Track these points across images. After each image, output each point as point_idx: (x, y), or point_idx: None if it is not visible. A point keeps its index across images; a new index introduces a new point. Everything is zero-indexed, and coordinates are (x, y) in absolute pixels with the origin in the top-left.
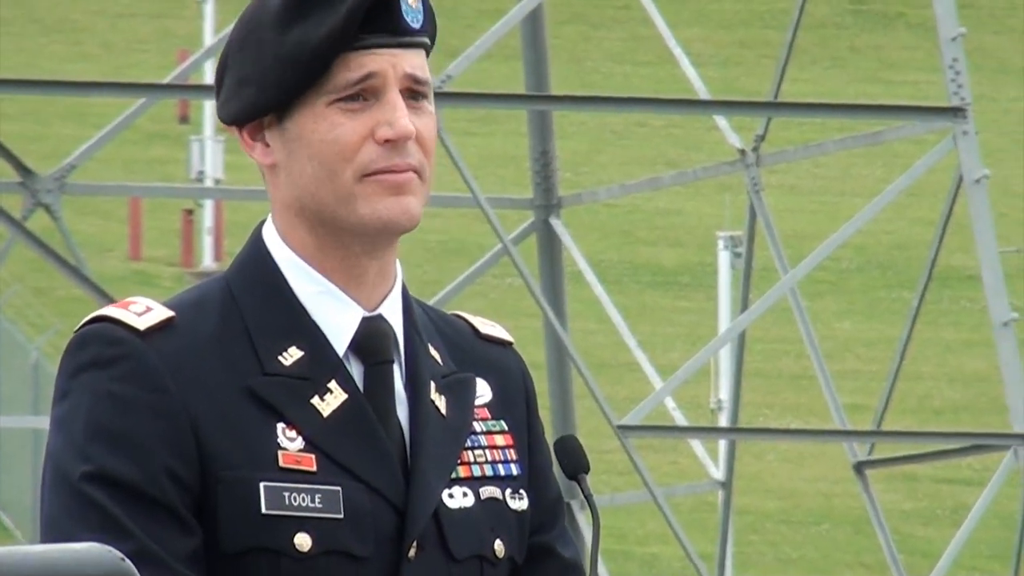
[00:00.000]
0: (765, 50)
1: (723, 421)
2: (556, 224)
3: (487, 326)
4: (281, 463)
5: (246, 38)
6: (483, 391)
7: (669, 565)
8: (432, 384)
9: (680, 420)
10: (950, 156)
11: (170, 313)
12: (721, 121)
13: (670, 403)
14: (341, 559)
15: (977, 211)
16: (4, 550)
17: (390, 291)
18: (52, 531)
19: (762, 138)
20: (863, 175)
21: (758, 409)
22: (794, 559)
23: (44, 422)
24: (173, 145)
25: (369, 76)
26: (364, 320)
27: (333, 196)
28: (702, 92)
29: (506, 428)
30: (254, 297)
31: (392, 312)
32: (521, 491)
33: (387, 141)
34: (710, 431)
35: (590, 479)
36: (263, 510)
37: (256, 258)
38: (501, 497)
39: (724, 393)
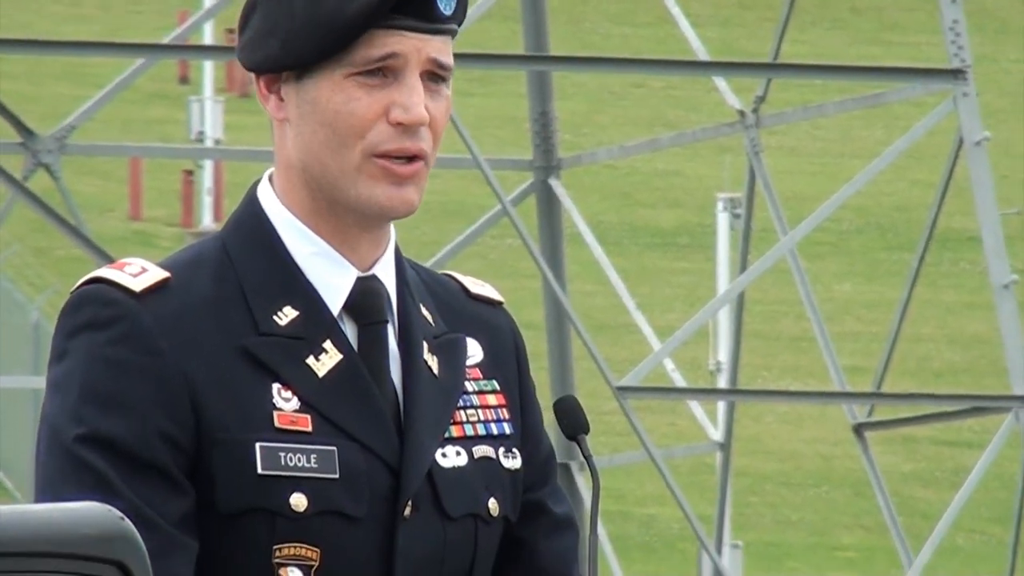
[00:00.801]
0: (765, 11)
1: (722, 382)
2: (555, 185)
3: (477, 286)
4: (277, 423)
5: None
6: (474, 351)
7: (668, 526)
8: (424, 344)
9: (679, 381)
10: (950, 118)
11: (165, 274)
12: (720, 82)
13: (669, 364)
14: (336, 519)
15: (977, 173)
16: (3, 509)
17: (383, 252)
18: (47, 493)
19: (762, 99)
20: (863, 137)
21: (757, 371)
22: (793, 521)
23: (43, 382)
24: (172, 105)
25: (391, 56)
26: (358, 280)
27: (338, 167)
28: (701, 53)
29: (498, 387)
30: (249, 257)
31: (385, 272)
32: (514, 450)
33: (399, 123)
34: (709, 392)
35: (589, 440)
36: (259, 470)
37: (251, 217)
38: (494, 456)
39: (723, 355)
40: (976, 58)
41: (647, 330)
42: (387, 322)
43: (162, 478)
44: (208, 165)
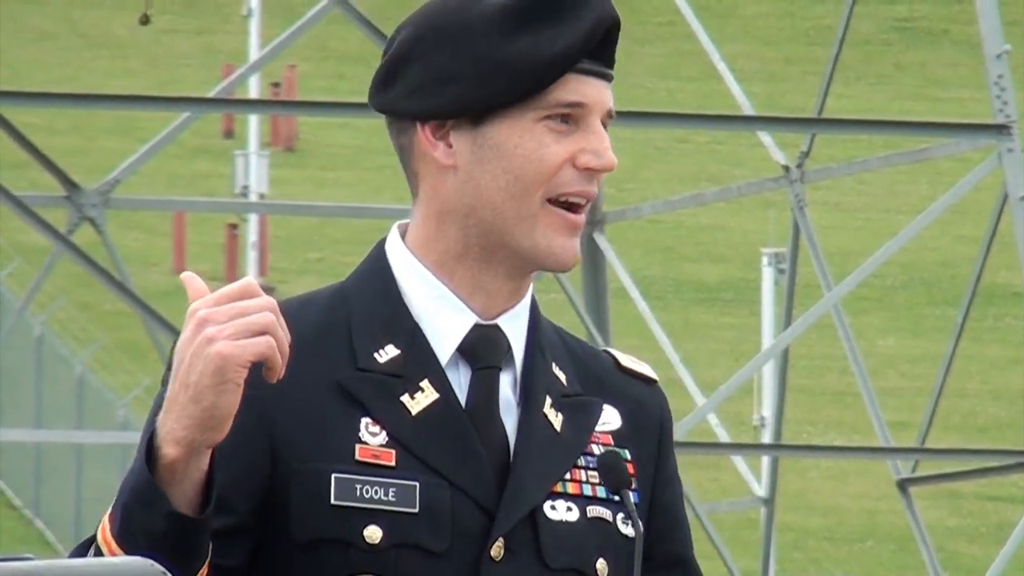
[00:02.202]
0: (810, 66)
1: (766, 438)
2: (600, 240)
3: (630, 360)
4: (357, 456)
5: (447, 36)
6: (610, 418)
7: None
8: (548, 398)
9: (723, 436)
10: (995, 173)
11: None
12: (765, 137)
13: (713, 419)
14: (415, 553)
15: (1022, 228)
16: (45, 564)
17: (515, 305)
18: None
19: (806, 154)
20: (908, 192)
21: (801, 426)
22: None
23: (87, 436)
24: (217, 159)
25: (581, 101)
26: (476, 327)
27: (516, 213)
28: (746, 108)
29: (628, 457)
30: (363, 297)
31: (512, 325)
32: (633, 521)
33: (587, 169)
34: (753, 447)
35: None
36: (332, 500)
37: (374, 263)
38: (611, 520)
39: (767, 409)
40: (1021, 114)
41: (691, 385)
42: (500, 368)
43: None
44: (252, 219)
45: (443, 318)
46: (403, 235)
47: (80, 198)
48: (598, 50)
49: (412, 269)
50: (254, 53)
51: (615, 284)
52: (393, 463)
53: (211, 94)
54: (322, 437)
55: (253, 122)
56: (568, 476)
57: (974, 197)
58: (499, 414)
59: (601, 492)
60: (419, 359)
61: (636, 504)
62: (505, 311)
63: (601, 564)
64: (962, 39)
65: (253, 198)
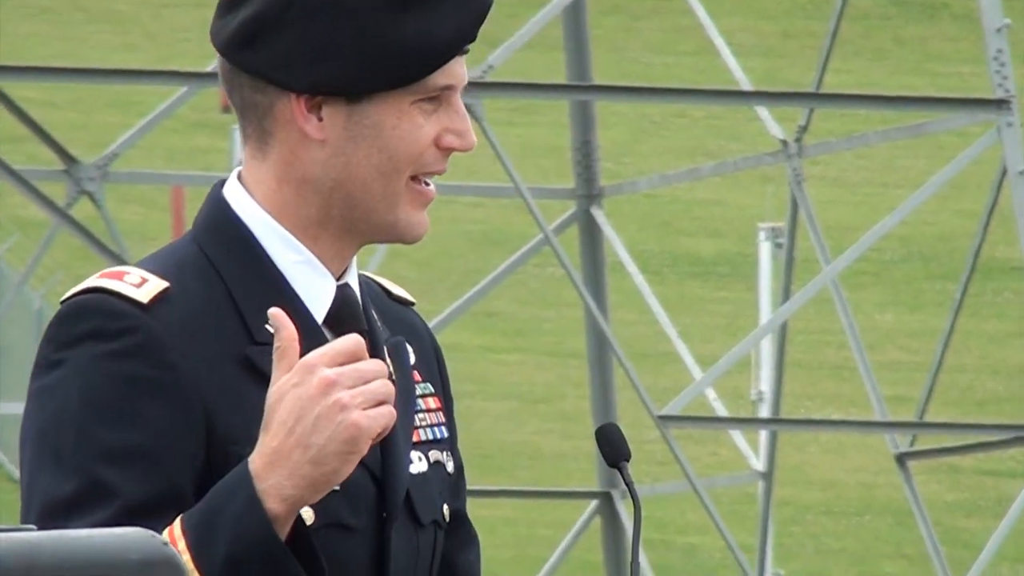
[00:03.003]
0: (808, 41)
1: (764, 412)
2: (597, 214)
3: (394, 286)
4: None
5: (325, 4)
6: (409, 352)
7: (709, 556)
8: (385, 350)
9: (721, 411)
10: (994, 148)
11: (165, 283)
12: (763, 112)
13: (711, 394)
14: (338, 531)
15: (1021, 203)
16: (45, 535)
17: (352, 260)
18: (51, 512)
19: (804, 129)
20: (906, 167)
21: (799, 400)
22: (835, 550)
23: None
24: (216, 134)
25: (454, 84)
26: (337, 289)
27: (382, 191)
28: (744, 83)
29: (432, 390)
30: (233, 264)
31: (353, 280)
32: (450, 453)
33: (449, 149)
34: (751, 422)
35: (631, 469)
36: None
37: (225, 222)
38: (443, 460)
39: (765, 384)
40: (1020, 88)
41: (689, 359)
42: (366, 330)
43: (172, 497)
44: None
45: (310, 282)
46: (244, 184)
47: (79, 172)
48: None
49: (273, 230)
50: None
51: (612, 258)
52: None
53: (210, 68)
54: (244, 417)
55: None
56: (414, 423)
57: (973, 171)
58: None
59: (431, 433)
60: (305, 327)
61: (449, 437)
62: (347, 268)
63: (445, 509)
64: (961, 13)
65: None
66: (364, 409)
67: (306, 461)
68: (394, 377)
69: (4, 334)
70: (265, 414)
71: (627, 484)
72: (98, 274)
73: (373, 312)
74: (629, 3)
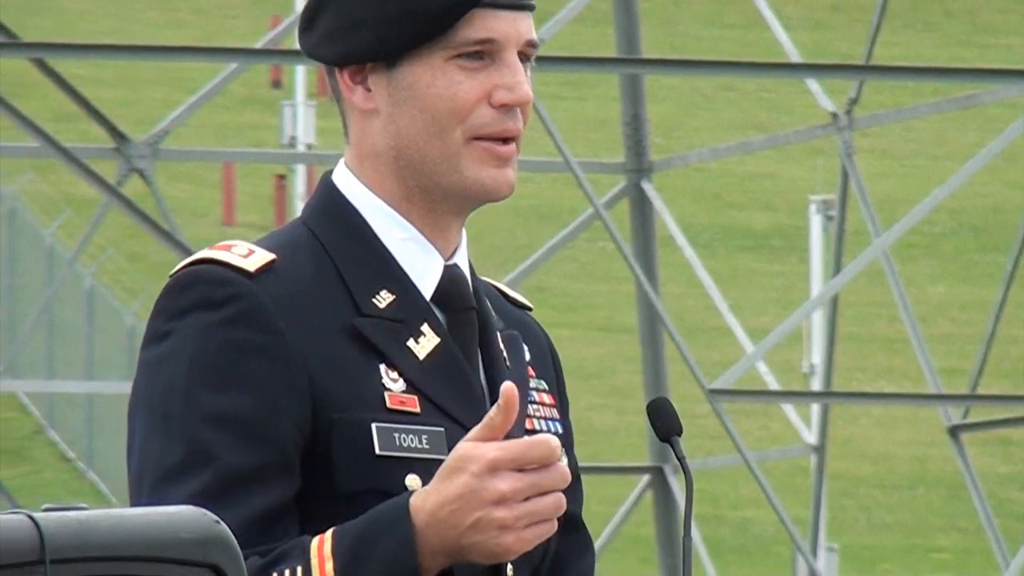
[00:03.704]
0: (857, 13)
1: (815, 385)
2: (647, 188)
3: (510, 290)
4: (388, 404)
5: None
6: (524, 350)
7: (763, 529)
8: (498, 335)
9: (772, 384)
10: None
11: (272, 255)
12: (813, 84)
13: (762, 367)
14: None
15: None
16: (100, 512)
17: (461, 242)
18: (163, 479)
19: (854, 101)
20: (956, 138)
21: (851, 373)
22: (888, 523)
23: None
24: (265, 110)
25: (491, 37)
26: (445, 267)
27: (440, 152)
28: (793, 55)
29: (547, 387)
30: (341, 241)
31: (463, 262)
32: (565, 451)
33: (503, 105)
34: (802, 395)
35: (682, 443)
36: (376, 451)
37: (334, 204)
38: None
39: (816, 357)
40: None
41: (740, 333)
42: (475, 309)
43: (275, 461)
44: (300, 170)
45: (417, 259)
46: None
47: (129, 149)
48: None
49: (378, 208)
50: (301, 3)
51: (662, 232)
52: (418, 409)
53: (259, 45)
54: (351, 384)
55: (300, 72)
56: (527, 412)
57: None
58: (478, 355)
59: (544, 425)
60: (413, 303)
61: (562, 434)
62: (456, 249)
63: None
64: None
65: (301, 148)
66: (525, 527)
67: (453, 540)
68: (508, 364)
69: (55, 312)
70: (447, 460)
71: (679, 459)
72: (208, 247)
73: (486, 300)
74: None
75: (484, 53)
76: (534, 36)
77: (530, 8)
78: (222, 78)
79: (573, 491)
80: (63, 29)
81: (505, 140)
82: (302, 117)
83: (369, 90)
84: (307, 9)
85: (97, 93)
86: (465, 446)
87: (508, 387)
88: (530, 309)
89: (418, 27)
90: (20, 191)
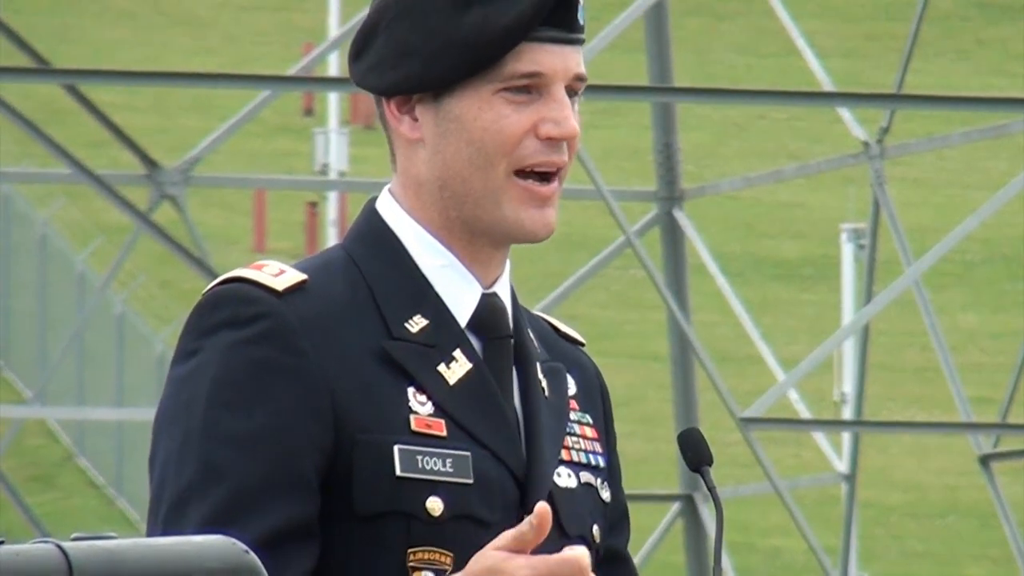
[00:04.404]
0: (889, 42)
1: (847, 414)
2: (679, 216)
3: (563, 325)
4: (413, 427)
5: (411, 7)
6: (570, 383)
7: (793, 558)
8: (538, 365)
9: (804, 412)
10: None
11: (303, 276)
12: (845, 113)
13: (793, 395)
14: (469, 524)
15: None
16: (128, 542)
17: (503, 272)
18: (178, 500)
19: (886, 130)
20: (988, 168)
21: (882, 402)
22: (919, 552)
23: None
24: (297, 137)
25: (539, 71)
26: (482, 296)
27: (482, 186)
28: (826, 84)
29: (591, 421)
30: (378, 266)
31: (503, 292)
32: (607, 483)
33: (549, 138)
34: (834, 424)
35: (713, 471)
36: (397, 472)
37: (375, 229)
38: (595, 485)
39: (848, 386)
40: None
41: (771, 361)
42: (511, 338)
43: (290, 481)
44: (332, 197)
45: (455, 287)
46: (395, 198)
47: (160, 176)
48: (557, 17)
49: (418, 235)
50: (334, 30)
51: (694, 260)
52: (444, 433)
53: (291, 72)
54: (376, 406)
55: (333, 100)
56: (564, 443)
57: None
58: (512, 383)
59: (584, 458)
60: (446, 328)
61: (605, 467)
62: (497, 279)
63: (596, 530)
64: None
65: (333, 176)
66: None
67: None
68: (547, 393)
69: (86, 339)
70: (473, 567)
71: (709, 488)
72: (241, 267)
73: (529, 331)
74: (712, 4)
75: (532, 87)
76: (583, 70)
77: (579, 42)
78: (254, 105)
79: (620, 527)
80: (95, 56)
81: (547, 177)
82: (334, 144)
83: (416, 120)
84: (357, 39)
85: (129, 120)
86: (494, 556)
87: (542, 507)
88: (582, 344)
89: (466, 59)
90: (52, 217)
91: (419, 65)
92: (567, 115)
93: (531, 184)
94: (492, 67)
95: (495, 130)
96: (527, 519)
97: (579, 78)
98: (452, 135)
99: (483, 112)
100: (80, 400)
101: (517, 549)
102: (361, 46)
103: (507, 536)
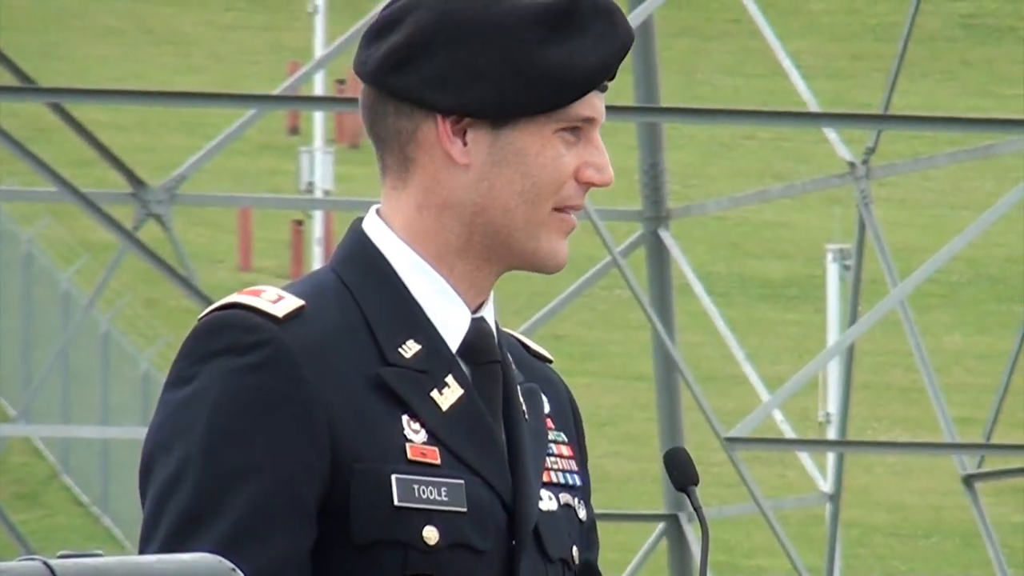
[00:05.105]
0: (876, 63)
1: (831, 434)
2: (665, 236)
3: (531, 342)
4: (409, 455)
5: (476, 29)
6: (544, 402)
7: None
8: (518, 388)
9: (788, 432)
10: None
11: (301, 302)
12: (831, 134)
13: (778, 415)
14: (464, 552)
15: None
16: (115, 560)
17: (489, 297)
18: (179, 529)
19: (872, 151)
20: (974, 188)
21: (867, 422)
22: (903, 572)
23: None
24: (283, 156)
25: (595, 116)
26: (472, 320)
27: (526, 218)
28: (812, 104)
29: (565, 439)
30: (369, 290)
31: (489, 316)
32: (583, 502)
33: (589, 183)
34: (818, 444)
35: (698, 491)
36: (395, 502)
37: (364, 252)
38: (573, 505)
39: (832, 406)
40: None
41: (756, 381)
42: (499, 363)
43: (290, 511)
44: (318, 215)
45: (446, 312)
46: (382, 218)
47: (146, 195)
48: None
49: (410, 261)
50: (319, 50)
51: (680, 280)
52: (438, 461)
53: (277, 91)
54: (372, 434)
55: (318, 119)
56: (545, 464)
57: None
58: (500, 408)
59: (562, 478)
60: (438, 353)
61: (581, 486)
62: (483, 303)
63: (575, 551)
64: None
65: (318, 194)
66: None
67: None
68: (527, 416)
69: (71, 357)
70: None
71: (695, 509)
72: (237, 292)
73: (508, 354)
74: (699, 25)
75: (579, 130)
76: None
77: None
78: (240, 124)
79: (589, 540)
80: (81, 75)
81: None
82: (320, 163)
83: (466, 144)
84: (400, 48)
85: (115, 138)
86: None
87: None
88: (550, 361)
89: (547, 95)
90: (37, 236)
91: (493, 91)
92: (607, 162)
93: (564, 217)
94: (564, 106)
95: (553, 168)
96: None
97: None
98: (508, 166)
99: (545, 149)
100: (65, 418)
101: None
102: (411, 54)
103: None
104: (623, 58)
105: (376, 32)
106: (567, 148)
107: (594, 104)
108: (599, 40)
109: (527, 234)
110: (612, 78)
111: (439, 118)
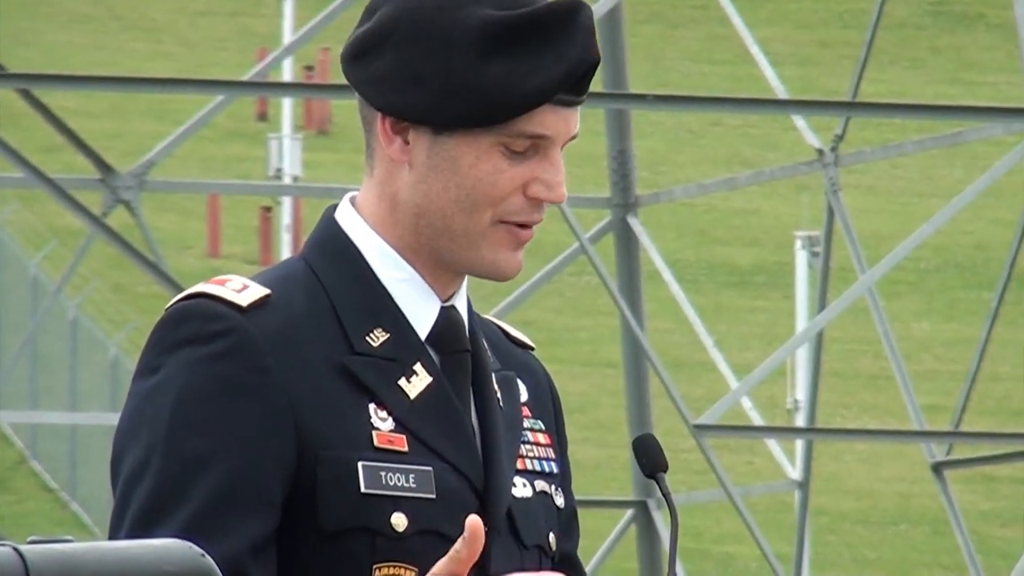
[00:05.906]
0: (844, 50)
1: (800, 421)
2: (633, 223)
3: (513, 329)
4: (376, 443)
5: (425, 34)
6: (521, 390)
7: (746, 565)
8: (493, 375)
9: (757, 420)
10: None
11: (266, 291)
12: (799, 121)
13: (746, 403)
14: (433, 538)
15: None
16: (85, 545)
17: (461, 286)
18: (143, 517)
19: (840, 138)
20: (942, 176)
21: (835, 409)
22: (871, 560)
23: None
24: (251, 142)
25: (545, 134)
26: (441, 309)
27: (463, 226)
28: (780, 91)
29: (543, 427)
30: (338, 278)
31: (460, 305)
32: (560, 489)
33: (536, 199)
34: (787, 431)
35: (667, 478)
36: (362, 489)
37: (334, 239)
38: (549, 492)
39: (801, 393)
40: None
41: (725, 368)
42: (469, 351)
43: (253, 499)
44: (286, 202)
45: (414, 301)
46: (355, 205)
47: (115, 181)
48: (574, 82)
49: (378, 248)
50: (288, 36)
51: (648, 267)
52: (406, 448)
53: (245, 77)
54: (338, 422)
55: (287, 105)
56: (519, 452)
57: (1008, 180)
58: (470, 396)
59: (538, 465)
60: (407, 342)
61: (558, 473)
62: (455, 292)
63: (552, 538)
64: (997, 23)
65: (287, 181)
66: None
67: None
68: (502, 404)
69: (39, 343)
70: None
71: (664, 495)
72: (204, 281)
73: (484, 342)
74: (666, 12)
75: (531, 145)
76: (578, 130)
77: (579, 104)
78: (208, 110)
79: (570, 529)
80: (50, 60)
81: (526, 226)
82: (288, 149)
83: (407, 143)
84: (361, 40)
85: (84, 125)
86: None
87: (473, 521)
88: (532, 348)
89: (481, 111)
90: (5, 221)
91: (430, 99)
92: (560, 180)
93: (512, 229)
94: (502, 123)
95: (488, 182)
96: (460, 538)
97: (572, 137)
98: (443, 172)
99: (480, 162)
100: (33, 404)
101: (455, 572)
102: (365, 48)
103: (443, 561)
104: (575, 79)
105: (364, 14)
106: (510, 163)
107: (546, 121)
108: (551, 60)
109: (467, 242)
110: (581, 94)
111: (380, 115)
